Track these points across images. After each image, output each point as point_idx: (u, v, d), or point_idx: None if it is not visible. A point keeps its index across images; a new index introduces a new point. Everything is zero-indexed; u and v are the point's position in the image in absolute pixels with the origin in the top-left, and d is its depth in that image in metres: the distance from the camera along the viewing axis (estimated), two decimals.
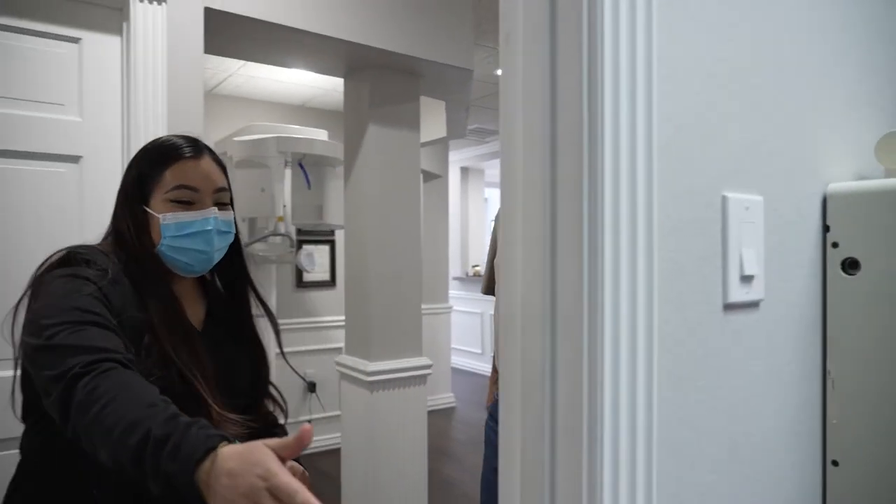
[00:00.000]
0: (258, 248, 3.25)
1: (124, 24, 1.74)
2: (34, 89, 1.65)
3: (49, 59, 1.67)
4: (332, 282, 4.22)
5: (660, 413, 0.59)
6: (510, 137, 0.61)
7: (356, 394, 2.48)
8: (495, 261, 1.81)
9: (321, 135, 3.35)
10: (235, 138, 3.17)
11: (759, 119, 0.71)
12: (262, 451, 0.64)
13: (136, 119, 1.72)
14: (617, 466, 0.55)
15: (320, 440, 4.14)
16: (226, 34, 2.04)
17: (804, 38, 0.77)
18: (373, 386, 2.38)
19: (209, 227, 1.05)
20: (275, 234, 3.20)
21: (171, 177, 1.04)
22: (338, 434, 2.86)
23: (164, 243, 1.04)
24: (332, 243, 4.24)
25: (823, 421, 0.80)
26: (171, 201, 1.04)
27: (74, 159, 1.71)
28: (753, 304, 0.70)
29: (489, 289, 1.93)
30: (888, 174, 0.84)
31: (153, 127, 1.74)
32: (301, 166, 3.23)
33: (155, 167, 1.04)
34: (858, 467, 0.77)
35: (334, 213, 3.20)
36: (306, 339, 4.06)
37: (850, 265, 0.77)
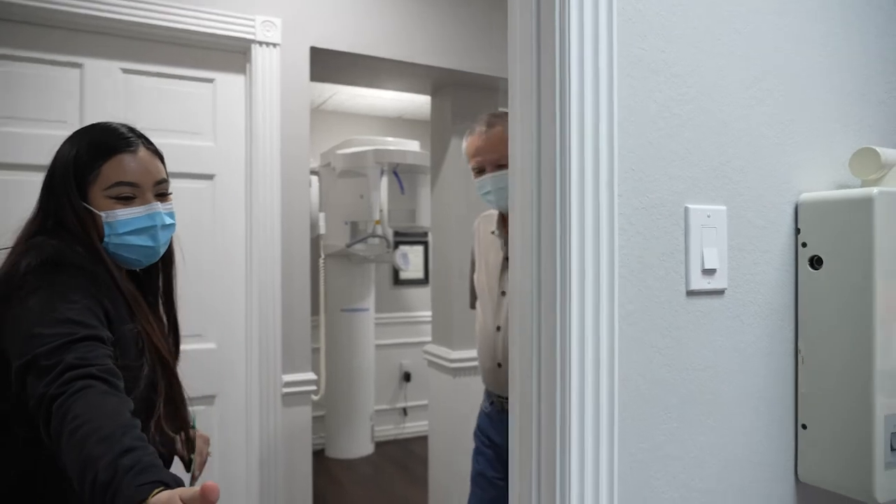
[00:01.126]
0: (358, 248, 3.62)
1: (247, 65, 2.12)
2: (181, 122, 2.06)
3: (192, 97, 2.08)
4: (425, 280, 4.54)
5: (621, 367, 0.79)
6: (513, 163, 0.84)
7: (441, 380, 2.76)
8: (474, 276, 1.83)
9: (413, 146, 3.67)
10: (338, 151, 3.56)
11: (725, 144, 0.89)
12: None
13: (256, 142, 2.09)
14: (583, 401, 0.76)
15: (415, 426, 4.47)
16: (328, 66, 2.38)
17: (781, 74, 0.93)
18: (455, 372, 2.65)
19: (154, 223, 1.06)
20: (373, 235, 3.55)
21: (108, 172, 1.02)
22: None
23: (110, 241, 1.03)
24: (425, 244, 4.56)
25: (795, 391, 0.95)
26: (111, 198, 1.03)
27: (209, 177, 2.11)
28: (717, 292, 0.88)
29: (474, 304, 1.87)
30: (864, 184, 0.98)
31: (269, 147, 2.10)
32: (395, 174, 3.57)
33: (91, 161, 1.02)
34: (824, 430, 0.92)
35: (426, 216, 3.50)
36: (402, 333, 4.40)
37: (816, 261, 0.93)
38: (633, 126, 0.81)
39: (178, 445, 1.25)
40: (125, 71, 1.97)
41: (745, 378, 0.91)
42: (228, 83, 2.13)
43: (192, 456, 1.29)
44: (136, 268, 1.12)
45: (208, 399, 2.12)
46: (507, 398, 1.56)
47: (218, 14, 2.00)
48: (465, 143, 1.70)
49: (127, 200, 1.04)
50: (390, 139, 3.79)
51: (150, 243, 1.07)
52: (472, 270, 1.87)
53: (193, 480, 1.29)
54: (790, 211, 0.95)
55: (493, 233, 1.76)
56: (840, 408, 0.90)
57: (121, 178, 1.03)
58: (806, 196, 0.95)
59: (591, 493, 0.77)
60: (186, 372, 2.01)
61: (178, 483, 0.74)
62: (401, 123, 4.65)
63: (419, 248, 4.56)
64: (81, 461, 0.75)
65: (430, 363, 2.87)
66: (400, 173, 3.57)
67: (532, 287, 0.80)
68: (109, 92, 1.96)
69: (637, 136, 0.82)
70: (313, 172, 3.76)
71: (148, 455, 0.76)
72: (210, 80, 2.11)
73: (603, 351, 0.77)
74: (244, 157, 2.16)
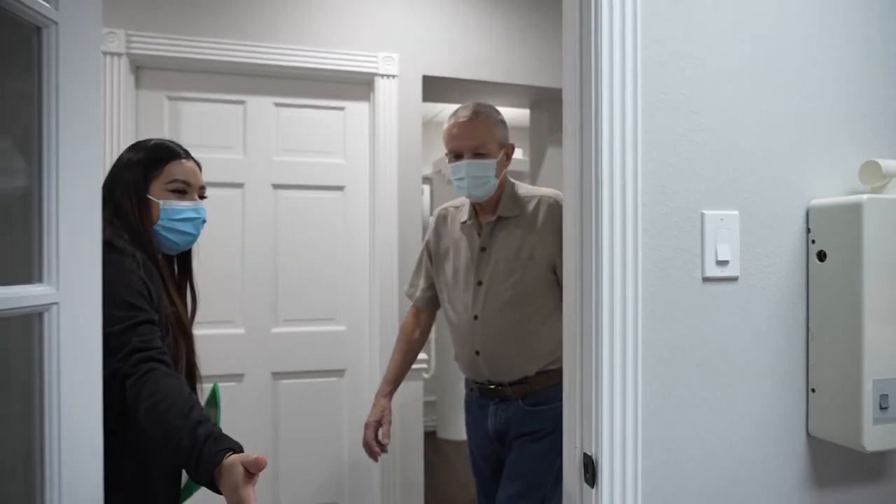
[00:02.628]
0: None
1: (371, 94, 2.54)
2: (318, 143, 2.52)
3: (327, 122, 2.52)
4: None
5: (645, 334, 1.06)
6: (566, 180, 1.13)
7: None
8: (435, 267, 1.88)
9: (516, 153, 3.96)
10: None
11: (738, 163, 1.12)
12: (236, 469, 0.89)
13: (378, 158, 2.49)
14: (613, 360, 1.03)
15: None
16: (438, 89, 2.74)
17: (795, 103, 1.14)
18: None
19: (199, 216, 1.30)
20: None
21: (170, 170, 1.26)
22: None
23: (162, 224, 1.24)
24: None
25: (806, 362, 1.16)
26: (169, 191, 1.26)
27: (340, 188, 2.55)
28: (731, 279, 1.12)
29: (412, 293, 1.98)
30: (872, 191, 1.16)
31: (388, 162, 2.50)
32: None
33: (156, 162, 1.25)
34: (828, 393, 1.12)
35: None
36: None
37: (822, 255, 1.13)
38: (655, 152, 1.08)
39: None
40: (277, 104, 2.45)
41: (759, 350, 1.13)
42: (356, 110, 2.56)
43: (219, 413, 1.45)
44: (175, 252, 1.31)
45: (339, 372, 2.55)
46: (485, 384, 1.75)
47: (348, 54, 2.42)
48: (447, 127, 1.71)
49: (181, 194, 1.27)
50: None
51: (192, 231, 1.29)
52: (428, 260, 1.90)
53: None
54: (802, 214, 1.16)
55: (465, 222, 1.78)
56: (840, 375, 1.10)
57: (178, 176, 1.27)
58: (815, 202, 1.15)
59: (619, 426, 1.04)
60: (322, 349, 2.46)
61: (241, 448, 0.96)
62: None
63: None
64: (165, 431, 0.96)
65: None
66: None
67: (574, 276, 1.08)
68: (265, 122, 2.44)
69: (659, 159, 1.08)
70: (426, 179, 4.16)
71: (212, 427, 0.98)
72: (341, 108, 2.54)
73: (629, 321, 1.05)
74: (368, 170, 2.57)
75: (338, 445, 2.51)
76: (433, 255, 1.88)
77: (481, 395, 1.79)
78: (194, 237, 1.31)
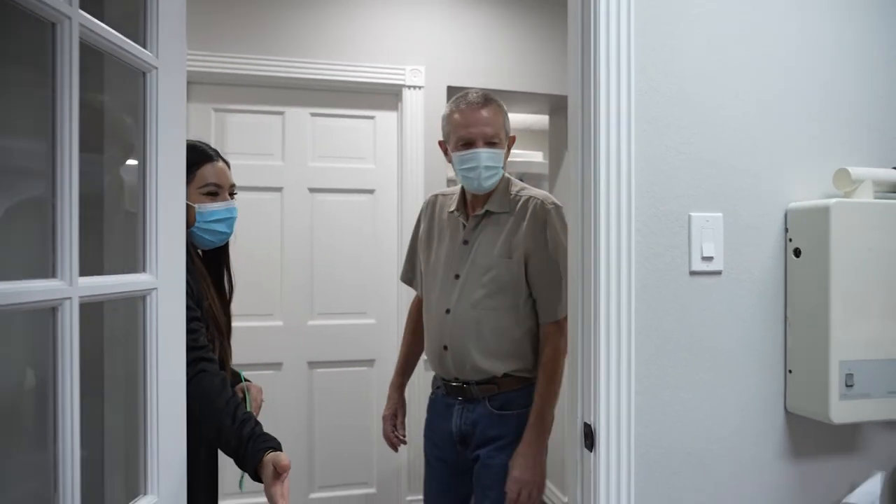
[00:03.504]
0: None
1: (399, 104, 2.73)
2: (350, 150, 2.71)
3: (358, 130, 2.72)
4: None
5: (637, 322, 1.22)
6: (571, 187, 1.30)
7: None
8: (422, 254, 1.82)
9: (537, 156, 4.13)
10: None
11: (723, 171, 1.28)
12: (268, 469, 1.08)
13: (405, 164, 2.68)
14: (609, 343, 1.20)
15: None
16: None
17: (774, 121, 1.30)
18: None
19: (231, 216, 1.38)
20: None
21: (202, 175, 1.33)
22: None
23: (198, 226, 1.32)
24: None
25: (784, 346, 1.31)
26: (202, 194, 1.33)
27: (371, 192, 2.74)
28: (715, 272, 1.27)
29: (408, 278, 1.94)
30: (845, 195, 1.31)
31: (415, 167, 2.68)
32: (521, 180, 4.04)
33: (189, 167, 1.21)
34: (802, 373, 1.27)
35: None
36: None
37: (797, 252, 1.28)
38: (647, 162, 1.24)
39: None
40: (312, 114, 2.66)
41: (741, 335, 1.29)
42: (385, 119, 2.75)
43: (249, 401, 1.52)
44: (209, 248, 1.40)
45: (369, 362, 2.75)
46: (451, 381, 1.69)
47: (378, 67, 2.62)
48: (455, 114, 1.62)
49: (213, 196, 1.34)
50: (518, 151, 4.28)
51: (226, 230, 1.38)
52: (417, 246, 1.85)
53: None
54: (781, 215, 1.31)
55: (452, 212, 1.72)
56: (812, 357, 1.25)
57: (210, 179, 1.35)
58: (793, 204, 1.31)
59: (615, 399, 1.21)
60: (353, 340, 2.65)
61: (279, 444, 1.14)
62: (528, 134, 5.12)
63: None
64: (216, 430, 1.13)
65: None
66: (525, 180, 4.04)
67: (577, 270, 1.26)
68: (302, 131, 2.65)
69: (650, 169, 1.24)
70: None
71: (255, 425, 1.15)
72: (371, 118, 2.74)
73: (623, 309, 1.21)
74: (396, 175, 2.76)
75: (367, 429, 2.71)
76: (419, 241, 1.82)
77: (447, 393, 1.73)
78: (228, 234, 1.40)
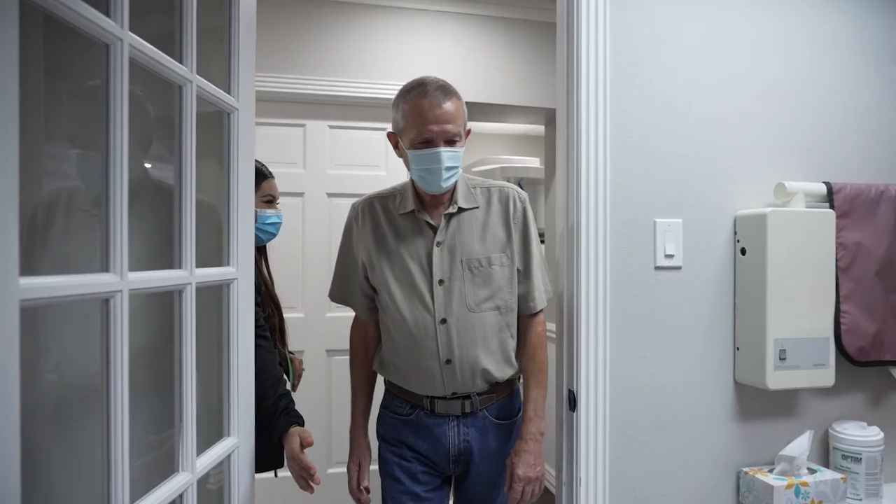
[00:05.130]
0: None
1: None
2: (364, 158, 3.00)
3: (371, 141, 3.00)
4: None
5: (612, 307, 1.51)
6: (558, 199, 1.58)
7: None
8: (373, 268, 1.55)
9: (534, 162, 4.41)
10: (473, 168, 4.39)
11: (683, 185, 1.56)
12: (295, 439, 1.36)
13: None
14: (588, 324, 1.49)
15: None
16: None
17: (728, 143, 1.58)
18: None
19: (280, 221, 1.80)
20: None
21: (265, 188, 1.71)
22: None
23: (257, 226, 1.61)
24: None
25: (733, 328, 1.60)
26: (263, 202, 1.72)
27: None
28: (676, 267, 1.56)
29: (341, 296, 1.66)
30: (783, 205, 1.59)
31: None
32: (520, 185, 4.33)
33: (257, 180, 1.56)
34: (746, 349, 1.56)
35: (541, 219, 4.22)
36: None
37: (743, 251, 1.57)
38: (620, 178, 1.53)
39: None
40: (331, 127, 2.95)
41: (697, 319, 1.57)
42: None
43: (291, 371, 1.87)
44: (261, 244, 1.73)
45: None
46: (445, 397, 1.49)
47: (388, 83, 2.90)
48: (412, 105, 1.43)
49: (269, 204, 1.75)
50: (515, 157, 4.56)
51: (275, 231, 1.79)
52: (357, 260, 1.58)
53: (294, 388, 1.89)
54: (731, 221, 1.60)
55: (409, 213, 1.52)
56: (754, 336, 1.54)
57: (269, 191, 1.76)
58: (740, 212, 1.59)
59: (592, 369, 1.49)
60: None
61: (303, 421, 1.43)
62: (526, 140, 5.41)
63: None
64: (261, 395, 1.34)
65: None
66: (524, 184, 4.34)
67: (564, 265, 1.54)
68: (321, 142, 2.94)
69: (623, 184, 1.53)
70: None
71: (289, 401, 1.44)
72: (383, 129, 3.02)
73: (600, 297, 1.50)
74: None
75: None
76: (369, 252, 1.55)
77: (433, 413, 1.52)
78: (275, 235, 1.81)
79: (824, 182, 1.61)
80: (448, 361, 1.47)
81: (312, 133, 2.94)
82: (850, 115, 1.69)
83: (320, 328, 2.92)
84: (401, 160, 1.57)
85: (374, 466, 1.63)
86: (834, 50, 1.68)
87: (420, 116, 1.42)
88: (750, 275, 1.55)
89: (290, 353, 1.87)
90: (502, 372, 1.52)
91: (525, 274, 1.54)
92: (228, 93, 1.20)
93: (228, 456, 1.20)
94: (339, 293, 1.66)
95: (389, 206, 1.57)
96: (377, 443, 1.63)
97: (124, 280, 0.82)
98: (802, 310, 1.51)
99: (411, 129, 1.44)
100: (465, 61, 3.05)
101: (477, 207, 1.54)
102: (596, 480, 1.49)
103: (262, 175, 1.74)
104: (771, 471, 1.55)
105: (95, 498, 0.82)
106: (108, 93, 0.81)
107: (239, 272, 1.23)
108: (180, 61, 0.99)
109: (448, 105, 1.45)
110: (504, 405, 1.56)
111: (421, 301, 1.49)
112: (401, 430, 1.56)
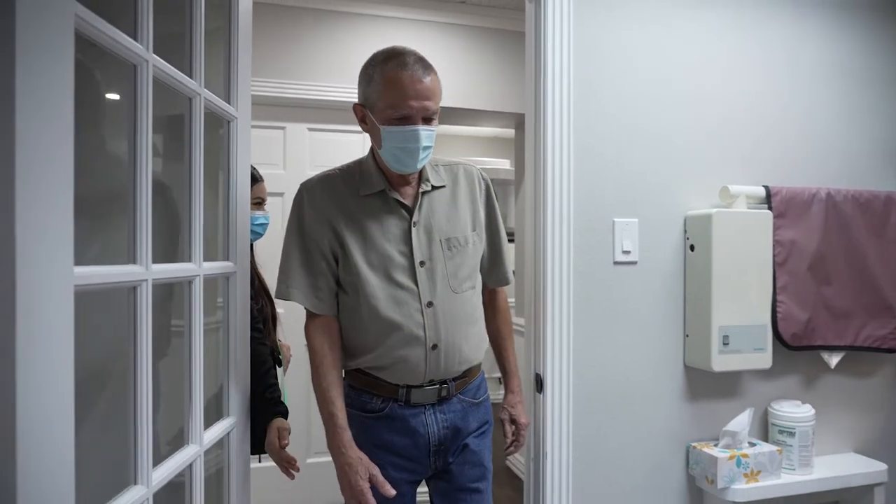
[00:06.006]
0: None
1: None
2: (343, 160, 3.10)
3: (349, 143, 3.12)
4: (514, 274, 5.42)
5: (575, 298, 1.67)
6: (527, 199, 1.74)
7: None
8: (343, 253, 1.40)
9: (504, 164, 4.58)
10: None
11: (637, 189, 1.73)
12: (274, 432, 1.48)
13: None
14: (553, 313, 1.64)
15: None
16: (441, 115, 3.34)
17: (676, 152, 1.75)
18: None
19: (267, 221, 1.92)
20: None
21: (255, 191, 1.76)
22: None
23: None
24: (511, 241, 5.44)
25: (683, 317, 1.77)
26: (254, 204, 1.78)
27: None
28: (632, 262, 1.72)
29: (291, 291, 1.44)
30: (726, 206, 1.77)
31: None
32: None
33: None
34: (695, 336, 1.73)
35: (512, 219, 4.39)
36: None
37: (692, 248, 1.74)
38: (582, 182, 1.69)
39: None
40: (310, 129, 3.06)
41: (651, 308, 1.74)
42: None
43: (280, 357, 1.97)
44: (252, 242, 1.80)
45: None
46: (422, 385, 1.36)
47: None
48: (390, 78, 1.32)
49: (258, 206, 1.85)
50: (487, 159, 4.72)
51: (262, 231, 1.91)
52: (324, 250, 1.41)
53: (284, 372, 2.03)
54: (681, 220, 1.77)
55: (379, 193, 1.41)
56: (701, 324, 1.71)
57: (259, 194, 1.85)
58: (690, 212, 1.77)
59: (557, 355, 1.65)
60: None
61: (287, 413, 1.54)
62: (497, 142, 5.58)
63: (511, 246, 5.46)
64: (254, 383, 1.44)
65: None
66: (494, 185, 4.49)
67: (531, 260, 1.69)
68: (300, 144, 3.04)
69: (584, 187, 1.69)
70: None
71: (276, 392, 1.53)
72: (360, 132, 3.14)
73: (564, 289, 1.65)
74: None
75: None
76: (335, 239, 1.40)
77: (409, 403, 1.39)
78: (262, 235, 1.94)
79: (764, 186, 1.80)
80: (434, 347, 1.36)
81: (292, 135, 3.05)
82: (788, 124, 1.88)
83: (299, 323, 3.02)
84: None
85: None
86: (774, 66, 1.87)
87: (399, 90, 1.31)
88: (698, 269, 1.73)
89: (280, 340, 1.99)
90: (480, 353, 1.46)
91: (497, 250, 1.50)
92: (228, 102, 1.32)
93: (228, 434, 1.32)
94: (295, 288, 1.43)
95: (344, 186, 1.45)
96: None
97: (149, 271, 0.94)
98: (743, 300, 1.69)
99: (386, 103, 1.33)
100: (439, 67, 3.17)
101: (444, 186, 1.46)
102: (560, 455, 1.65)
103: (252, 178, 1.85)
104: (716, 445, 1.73)
105: (123, 461, 0.93)
106: (135, 106, 0.93)
107: (237, 266, 1.35)
108: (190, 76, 1.11)
109: (428, 80, 1.35)
110: (477, 386, 1.47)
111: (402, 285, 1.37)
112: (374, 429, 1.40)
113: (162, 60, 0.98)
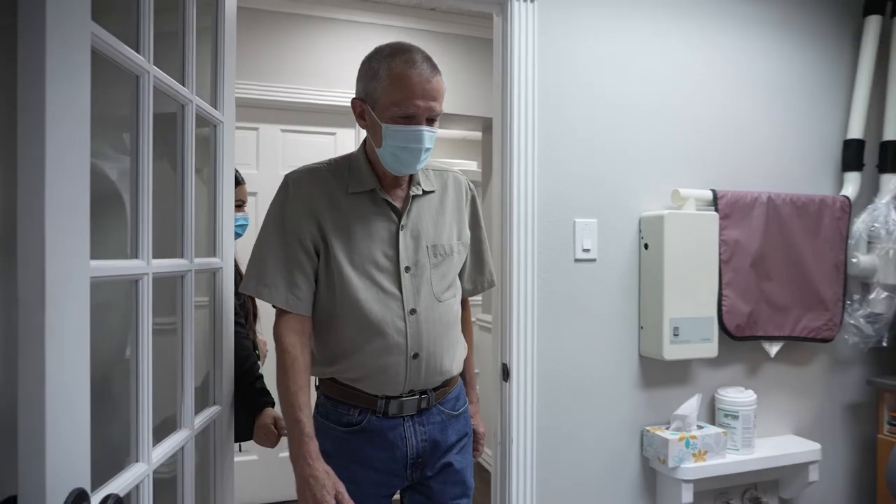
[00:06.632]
0: None
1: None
2: (315, 160, 3.18)
3: (321, 144, 3.20)
4: None
5: (539, 293, 1.79)
6: (493, 201, 1.85)
7: None
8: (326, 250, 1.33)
9: (472, 165, 4.70)
10: None
11: (597, 192, 1.86)
12: (266, 417, 1.54)
13: None
14: (518, 307, 1.76)
15: None
16: None
17: (631, 160, 1.89)
18: None
19: (247, 222, 1.98)
20: None
21: (236, 193, 1.74)
22: None
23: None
24: None
25: (638, 310, 1.91)
26: (235, 206, 1.69)
27: None
28: (591, 260, 1.86)
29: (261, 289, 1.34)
30: (677, 208, 1.92)
31: None
32: None
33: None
34: (649, 327, 1.87)
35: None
36: None
37: (646, 246, 1.89)
38: (545, 186, 1.81)
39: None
40: (283, 130, 3.12)
41: (609, 302, 1.88)
42: (344, 135, 3.25)
43: (258, 352, 1.99)
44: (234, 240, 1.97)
45: None
46: (402, 396, 1.31)
47: (335, 92, 3.10)
48: (399, 75, 1.26)
49: (239, 208, 1.89)
50: (455, 161, 4.84)
51: (241, 233, 1.96)
52: (299, 242, 1.33)
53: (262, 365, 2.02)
54: (636, 221, 1.91)
55: (359, 193, 1.35)
56: (654, 316, 1.85)
57: (240, 196, 1.91)
58: (644, 213, 1.91)
59: (522, 346, 1.77)
60: None
61: (273, 403, 1.55)
62: (464, 144, 5.70)
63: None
64: (239, 375, 1.52)
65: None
66: None
67: (499, 258, 1.81)
68: (273, 144, 3.11)
69: (547, 190, 1.81)
70: None
71: (261, 383, 1.59)
72: (332, 133, 3.22)
73: (528, 285, 1.78)
74: None
75: None
76: (318, 234, 1.34)
77: (386, 415, 1.33)
78: (242, 235, 2.02)
79: (711, 189, 1.95)
80: (415, 356, 1.32)
81: (265, 136, 3.11)
82: (734, 133, 2.04)
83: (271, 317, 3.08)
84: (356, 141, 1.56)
85: None
86: (722, 77, 2.03)
87: (406, 89, 1.26)
88: (651, 265, 1.87)
89: (258, 335, 2.06)
90: (459, 363, 1.42)
91: (482, 258, 1.49)
92: (214, 107, 1.40)
93: (214, 421, 1.40)
94: (268, 286, 1.33)
95: (330, 181, 1.38)
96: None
97: (150, 265, 1.03)
98: (692, 294, 1.84)
99: (391, 100, 1.27)
100: None
101: (434, 191, 1.42)
102: (525, 440, 1.77)
103: (235, 181, 1.93)
104: (667, 428, 1.87)
105: (125, 439, 1.01)
106: (137, 113, 1.01)
107: (223, 262, 1.44)
108: (182, 83, 1.19)
109: (436, 81, 1.30)
110: (456, 396, 1.42)
111: (385, 290, 1.32)
112: (351, 443, 1.34)
113: (161, 72, 1.06)
